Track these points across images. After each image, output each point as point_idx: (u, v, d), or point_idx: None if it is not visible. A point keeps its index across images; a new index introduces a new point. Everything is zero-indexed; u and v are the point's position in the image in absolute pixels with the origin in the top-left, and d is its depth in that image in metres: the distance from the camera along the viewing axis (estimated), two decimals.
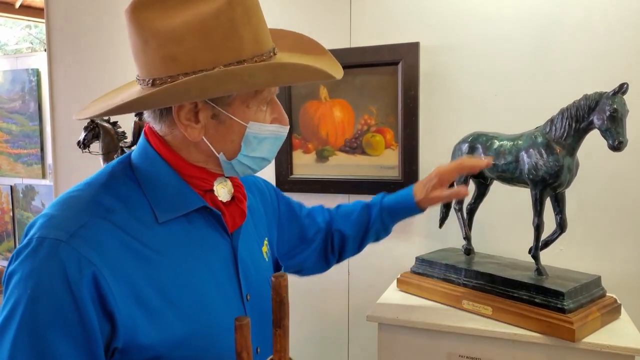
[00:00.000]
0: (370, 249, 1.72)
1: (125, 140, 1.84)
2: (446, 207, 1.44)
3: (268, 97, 0.80)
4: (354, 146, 1.72)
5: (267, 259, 0.97)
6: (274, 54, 0.77)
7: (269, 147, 0.82)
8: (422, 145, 1.64)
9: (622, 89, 1.06)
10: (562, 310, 1.10)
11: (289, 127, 0.84)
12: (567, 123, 1.12)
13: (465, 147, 1.32)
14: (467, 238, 1.41)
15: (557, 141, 1.14)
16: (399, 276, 1.45)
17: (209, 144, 0.78)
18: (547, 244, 1.23)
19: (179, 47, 0.70)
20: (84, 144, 1.83)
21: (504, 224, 1.56)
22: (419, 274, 1.41)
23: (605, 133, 1.07)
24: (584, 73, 1.43)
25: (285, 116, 0.83)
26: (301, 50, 0.85)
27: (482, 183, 1.37)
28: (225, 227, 0.83)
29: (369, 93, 1.68)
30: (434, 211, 1.62)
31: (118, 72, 2.16)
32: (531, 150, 1.17)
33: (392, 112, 1.65)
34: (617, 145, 1.05)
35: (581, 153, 1.23)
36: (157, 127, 0.80)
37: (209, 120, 0.76)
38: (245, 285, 0.85)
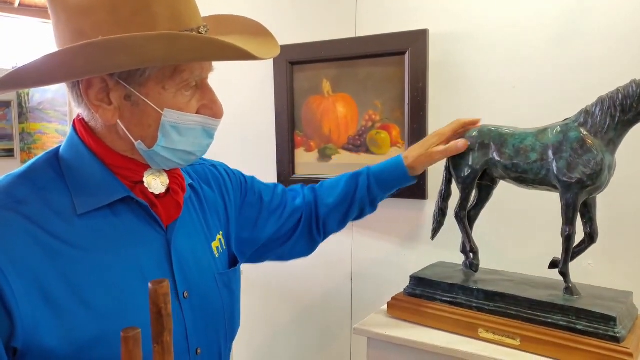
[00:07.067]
0: (376, 256, 1.60)
1: None
2: (441, 215, 1.20)
3: (191, 80, 0.71)
4: (358, 144, 1.59)
5: (217, 254, 0.89)
6: (200, 34, 0.69)
7: (194, 140, 0.74)
8: None
9: None
10: (616, 339, 0.91)
11: (221, 118, 0.75)
12: (610, 113, 0.93)
13: (473, 146, 1.10)
14: (473, 251, 1.17)
15: (595, 135, 0.95)
16: (389, 300, 1.19)
17: (124, 129, 0.71)
18: (572, 257, 1.02)
19: (87, 20, 0.65)
20: None
21: (502, 232, 1.40)
22: (415, 296, 1.15)
23: None
24: (614, 60, 1.25)
25: (219, 105, 0.75)
26: (246, 33, 0.76)
27: (488, 185, 1.15)
28: (157, 220, 0.77)
29: (374, 86, 1.55)
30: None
31: None
32: (562, 146, 0.98)
33: (399, 107, 1.52)
34: None
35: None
36: (80, 111, 0.74)
37: (123, 102, 0.70)
38: (182, 282, 0.79)
